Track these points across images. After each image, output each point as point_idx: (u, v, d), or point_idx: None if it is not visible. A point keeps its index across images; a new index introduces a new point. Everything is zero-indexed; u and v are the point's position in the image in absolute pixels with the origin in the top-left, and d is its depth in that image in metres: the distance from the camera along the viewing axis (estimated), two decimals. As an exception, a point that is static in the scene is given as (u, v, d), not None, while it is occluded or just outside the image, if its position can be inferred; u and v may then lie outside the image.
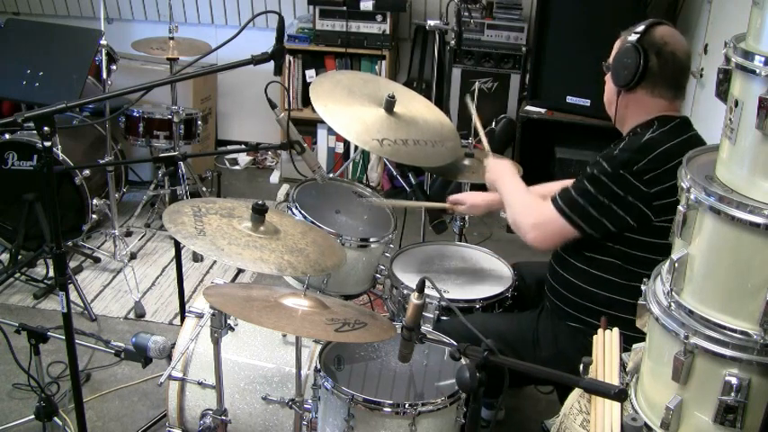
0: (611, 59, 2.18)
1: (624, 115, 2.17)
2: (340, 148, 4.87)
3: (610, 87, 2.19)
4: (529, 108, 4.18)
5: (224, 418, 2.11)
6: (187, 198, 3.87)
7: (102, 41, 3.60)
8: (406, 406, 1.88)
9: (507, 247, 3.95)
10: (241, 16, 5.00)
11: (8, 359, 2.64)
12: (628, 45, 2.07)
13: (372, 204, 2.76)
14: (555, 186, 2.36)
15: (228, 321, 1.96)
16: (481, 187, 2.59)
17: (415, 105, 2.74)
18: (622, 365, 1.79)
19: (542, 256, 2.51)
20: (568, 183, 2.21)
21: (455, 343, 1.68)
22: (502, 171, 2.44)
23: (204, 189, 4.31)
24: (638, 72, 2.06)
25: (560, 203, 2.11)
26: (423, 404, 1.87)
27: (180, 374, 2.27)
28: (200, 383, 2.25)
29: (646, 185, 1.99)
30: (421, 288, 1.60)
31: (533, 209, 2.23)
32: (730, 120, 1.41)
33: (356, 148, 4.53)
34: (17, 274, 3.54)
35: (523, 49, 4.45)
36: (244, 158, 5.24)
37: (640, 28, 2.08)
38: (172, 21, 3.84)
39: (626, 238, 2.07)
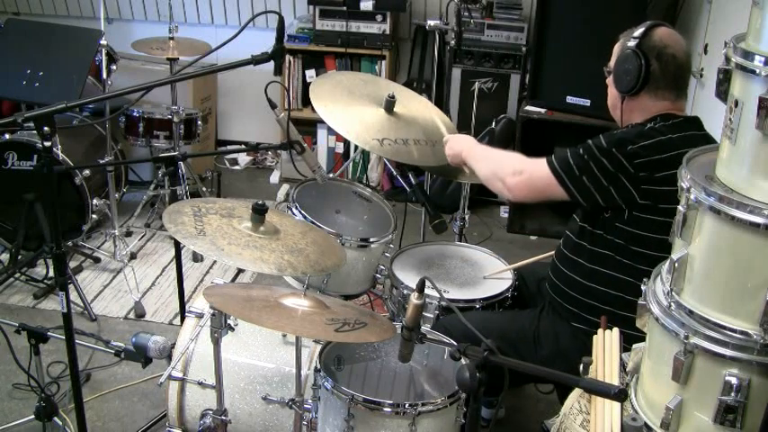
0: (611, 64, 2.19)
1: (629, 118, 2.18)
2: (340, 148, 4.87)
3: (613, 92, 2.20)
4: (529, 108, 4.18)
5: (224, 418, 2.11)
6: (187, 198, 3.87)
7: (102, 41, 3.60)
8: (406, 406, 1.88)
9: (507, 247, 3.96)
10: (241, 16, 5.01)
11: (8, 359, 2.64)
12: (627, 51, 2.08)
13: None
14: None
15: (228, 321, 1.96)
16: (482, 187, 2.58)
17: (415, 105, 2.74)
18: (622, 365, 1.79)
19: (542, 256, 2.51)
20: None
21: (455, 343, 1.68)
22: (467, 140, 2.44)
23: (204, 189, 4.31)
24: (640, 77, 2.07)
25: (553, 161, 2.12)
26: (423, 404, 1.87)
27: (180, 374, 2.27)
28: (200, 383, 2.25)
29: (634, 168, 2.00)
30: (421, 288, 1.60)
31: (520, 159, 2.23)
32: (730, 120, 1.41)
33: (356, 148, 4.54)
34: (17, 274, 3.54)
35: (523, 49, 4.45)
36: (244, 158, 5.24)
37: (639, 32, 2.09)
38: (172, 21, 3.84)
39: (618, 228, 2.07)
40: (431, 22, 3.42)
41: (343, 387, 1.90)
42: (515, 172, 2.18)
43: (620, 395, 1.36)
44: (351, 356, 2.18)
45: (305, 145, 2.42)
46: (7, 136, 3.61)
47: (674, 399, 1.50)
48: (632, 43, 2.08)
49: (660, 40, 2.08)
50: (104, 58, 3.62)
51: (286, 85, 4.71)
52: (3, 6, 5.13)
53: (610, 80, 2.21)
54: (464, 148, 2.42)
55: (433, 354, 2.19)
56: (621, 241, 2.08)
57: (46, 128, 1.91)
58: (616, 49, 2.18)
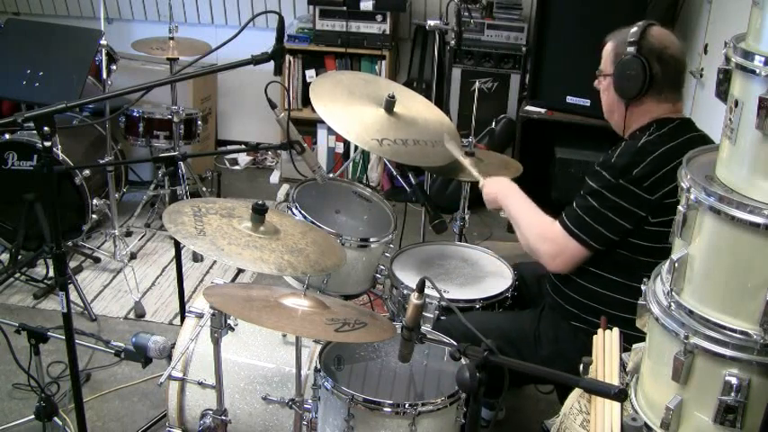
0: (603, 68, 2.14)
1: (631, 123, 2.14)
2: (340, 148, 4.86)
3: (610, 98, 2.16)
4: (529, 108, 4.17)
5: (224, 418, 2.11)
6: (187, 198, 3.87)
7: (102, 41, 3.60)
8: (406, 406, 1.88)
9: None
10: (241, 16, 5.01)
11: (8, 359, 2.64)
12: (628, 57, 2.04)
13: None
14: None
15: (228, 321, 1.96)
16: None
17: (415, 105, 2.74)
18: (622, 365, 1.79)
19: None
20: None
21: (455, 343, 1.68)
22: (505, 189, 2.37)
23: (204, 189, 4.31)
24: (645, 83, 2.03)
25: (569, 225, 2.10)
26: (423, 404, 1.87)
27: (180, 374, 2.27)
28: (200, 383, 2.25)
29: (647, 192, 1.98)
30: (421, 288, 1.60)
31: (549, 237, 2.16)
32: (730, 120, 1.41)
33: (356, 148, 4.54)
34: (17, 274, 3.54)
35: (523, 49, 4.45)
36: (244, 158, 5.24)
37: (634, 34, 2.04)
38: (172, 21, 3.84)
39: (626, 242, 2.07)
40: (431, 22, 3.42)
41: (343, 387, 1.90)
42: (553, 257, 2.14)
43: (620, 395, 1.36)
44: (351, 356, 2.17)
45: (305, 145, 2.42)
46: (7, 136, 3.61)
47: (674, 399, 1.50)
48: (632, 48, 2.03)
49: (659, 42, 2.05)
50: (104, 58, 3.62)
51: (286, 85, 4.71)
52: (3, 6, 5.13)
53: (605, 84, 2.16)
54: (502, 198, 2.36)
55: (433, 354, 2.19)
56: (625, 252, 2.08)
57: (46, 128, 1.91)
58: (608, 52, 2.13)
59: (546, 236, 2.17)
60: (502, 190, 2.37)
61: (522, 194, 2.33)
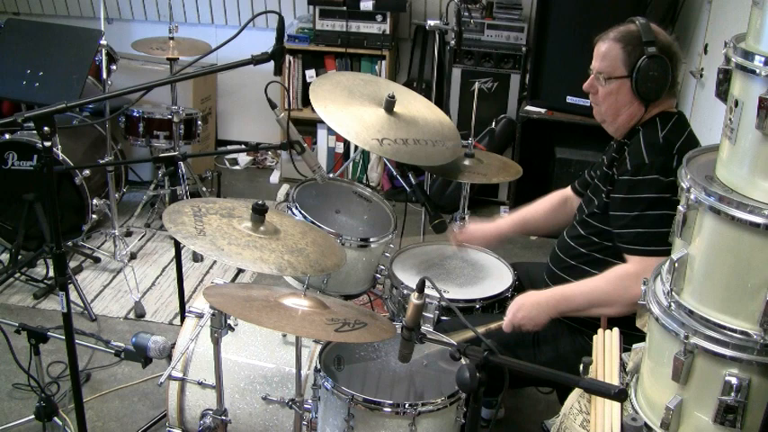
0: (610, 71, 2.07)
1: (639, 122, 2.11)
2: (340, 148, 4.87)
3: (621, 99, 2.09)
4: (529, 108, 4.18)
5: (224, 418, 2.11)
6: (187, 198, 3.87)
7: (102, 41, 3.60)
8: (406, 406, 1.88)
9: (507, 248, 3.95)
10: (241, 16, 5.01)
11: (8, 359, 2.64)
12: (651, 57, 2.00)
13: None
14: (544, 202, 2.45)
15: (228, 321, 1.96)
16: (482, 187, 2.58)
17: (415, 105, 2.74)
18: (622, 365, 1.79)
19: (543, 257, 2.51)
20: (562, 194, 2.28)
21: (455, 343, 1.68)
22: (543, 299, 2.16)
23: (204, 189, 4.31)
24: (669, 81, 2.02)
25: (645, 249, 1.97)
26: (423, 404, 1.87)
27: (180, 374, 2.27)
28: (200, 383, 2.25)
29: None
30: (421, 288, 1.60)
31: (633, 274, 1.98)
32: (730, 120, 1.41)
33: (356, 148, 4.54)
34: (17, 274, 3.54)
35: (523, 49, 4.46)
36: (244, 158, 5.24)
37: (648, 34, 2.01)
38: (172, 21, 3.85)
39: None
40: (431, 22, 3.43)
41: (343, 387, 1.90)
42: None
43: (620, 395, 1.36)
44: (351, 356, 2.17)
45: (305, 145, 2.42)
46: (7, 136, 3.61)
47: (674, 399, 1.50)
48: (652, 49, 2.00)
49: (665, 38, 2.05)
50: (104, 58, 3.62)
51: (286, 85, 4.71)
52: (3, 6, 5.13)
53: (613, 87, 2.09)
54: (553, 308, 2.13)
55: (433, 354, 2.19)
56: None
57: (46, 128, 1.91)
58: (613, 53, 2.06)
59: (631, 276, 2.00)
60: (540, 301, 2.15)
61: (553, 289, 2.17)
